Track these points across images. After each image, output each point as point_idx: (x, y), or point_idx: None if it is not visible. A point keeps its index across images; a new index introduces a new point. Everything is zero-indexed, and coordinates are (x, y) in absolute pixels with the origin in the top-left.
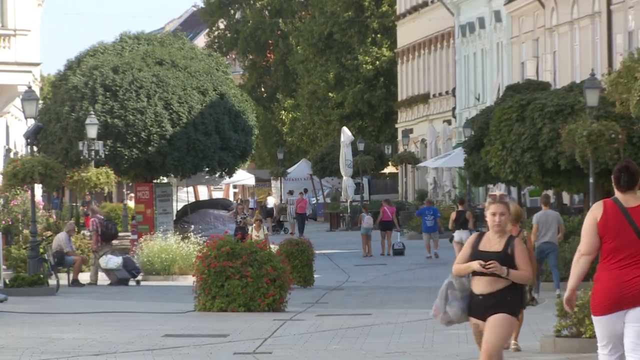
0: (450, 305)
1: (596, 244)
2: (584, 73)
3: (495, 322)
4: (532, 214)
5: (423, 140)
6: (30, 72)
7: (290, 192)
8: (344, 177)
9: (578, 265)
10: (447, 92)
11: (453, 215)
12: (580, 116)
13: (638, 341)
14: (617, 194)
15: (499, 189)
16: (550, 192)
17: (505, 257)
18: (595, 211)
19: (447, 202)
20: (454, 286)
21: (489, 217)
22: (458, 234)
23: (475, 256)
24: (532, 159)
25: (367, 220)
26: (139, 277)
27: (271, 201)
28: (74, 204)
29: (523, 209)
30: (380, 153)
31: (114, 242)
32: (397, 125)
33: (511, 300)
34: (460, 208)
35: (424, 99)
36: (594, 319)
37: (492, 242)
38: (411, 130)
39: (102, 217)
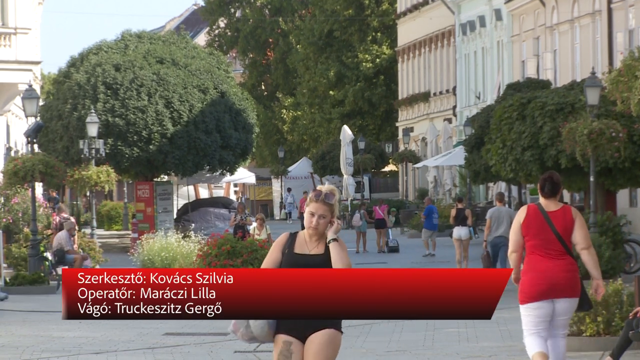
0: (254, 319)
1: (520, 242)
2: (584, 71)
3: (323, 340)
4: None
5: (424, 139)
6: (30, 70)
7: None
8: (345, 176)
9: (510, 260)
10: (447, 91)
11: (453, 212)
12: (580, 115)
13: (558, 332)
14: (541, 199)
15: (499, 188)
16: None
17: (329, 262)
18: (520, 215)
19: (448, 201)
20: None
21: (306, 216)
22: (457, 231)
23: (289, 260)
24: (533, 158)
25: (354, 218)
26: None
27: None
28: (75, 202)
29: None
30: (380, 151)
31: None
32: (397, 124)
33: None
34: (459, 206)
35: (424, 97)
36: (525, 307)
37: (310, 245)
38: (412, 129)
39: (66, 215)
